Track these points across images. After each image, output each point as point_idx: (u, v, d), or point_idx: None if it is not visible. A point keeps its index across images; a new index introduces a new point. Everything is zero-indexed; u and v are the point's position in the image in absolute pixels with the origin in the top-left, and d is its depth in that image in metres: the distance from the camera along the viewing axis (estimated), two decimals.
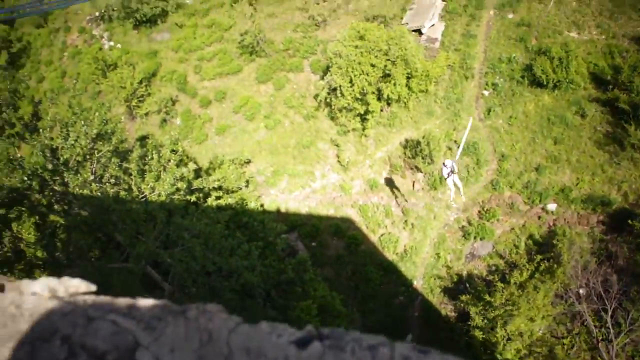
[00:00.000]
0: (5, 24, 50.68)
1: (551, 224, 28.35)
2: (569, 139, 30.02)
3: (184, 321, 1.91)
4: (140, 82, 38.53)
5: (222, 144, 35.93)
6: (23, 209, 21.98)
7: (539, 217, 28.68)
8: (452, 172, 26.32)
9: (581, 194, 28.24)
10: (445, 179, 27.15)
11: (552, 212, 28.55)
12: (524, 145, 30.71)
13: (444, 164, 26.40)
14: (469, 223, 29.60)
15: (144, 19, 43.46)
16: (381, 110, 32.97)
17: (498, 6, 36.49)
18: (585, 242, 26.41)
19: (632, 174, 27.85)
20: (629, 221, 25.37)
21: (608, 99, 30.11)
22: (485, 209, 29.56)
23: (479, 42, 35.33)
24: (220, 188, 29.89)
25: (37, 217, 22.16)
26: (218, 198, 29.05)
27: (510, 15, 35.72)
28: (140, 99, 38.60)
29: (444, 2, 37.72)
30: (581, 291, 24.38)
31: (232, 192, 30.63)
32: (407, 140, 32.51)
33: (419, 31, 36.44)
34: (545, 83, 31.23)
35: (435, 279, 28.87)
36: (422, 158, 30.70)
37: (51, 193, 22.29)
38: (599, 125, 29.94)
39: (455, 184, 27.81)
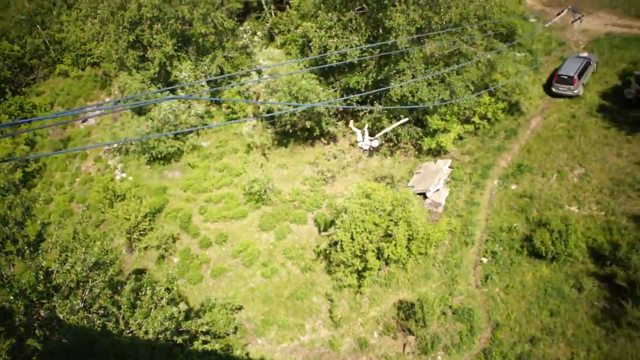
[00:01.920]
0: (27, 144, 54.26)
1: None
2: (565, 312, 31.04)
3: None
4: (145, 216, 40.63)
5: (216, 287, 37.29)
6: (1, 329, 22.51)
7: None
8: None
9: None
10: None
11: None
12: (519, 315, 31.68)
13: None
14: None
15: (159, 156, 46.43)
16: (379, 269, 34.47)
17: (502, 177, 39.05)
18: None
19: (628, 352, 28.52)
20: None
21: (606, 275, 31.45)
22: None
23: (481, 209, 37.47)
24: (208, 332, 30.78)
25: (14, 339, 22.65)
26: (205, 342, 29.83)
27: (514, 187, 38.10)
28: (142, 232, 40.58)
29: (450, 169, 40.42)
30: None
31: (220, 337, 31.43)
32: (401, 302, 33.68)
33: (423, 195, 38.84)
34: (544, 254, 32.76)
35: None
36: (415, 321, 31.68)
37: (35, 316, 23.18)
38: (596, 301, 31.05)
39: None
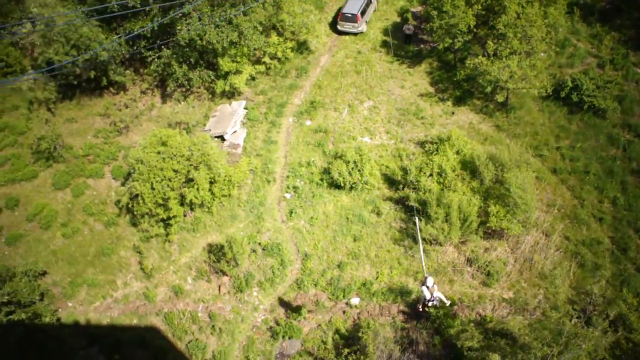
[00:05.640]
0: None
1: (355, 317, 31.32)
2: (367, 235, 33.83)
3: None
4: None
5: (13, 254, 35.53)
6: None
7: (344, 312, 31.59)
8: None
9: (381, 287, 31.77)
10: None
11: (355, 306, 31.66)
12: (326, 243, 34.04)
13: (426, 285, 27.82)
14: (277, 323, 31.66)
15: None
16: (185, 216, 34.98)
17: (297, 114, 40.91)
18: (388, 331, 29.30)
19: (425, 264, 31.99)
20: (426, 308, 29.21)
21: (400, 198, 34.63)
22: (292, 308, 32.00)
23: (279, 147, 39.09)
24: (10, 302, 29.73)
25: None
26: (9, 313, 28.84)
27: (308, 123, 40.16)
28: None
29: (245, 110, 41.46)
30: None
31: (26, 306, 30.47)
32: (211, 245, 34.61)
33: (221, 137, 39.59)
34: (342, 185, 35.19)
35: None
36: (227, 262, 32.79)
37: None
38: (393, 222, 34.18)
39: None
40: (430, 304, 28.46)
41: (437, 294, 27.79)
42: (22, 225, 36.90)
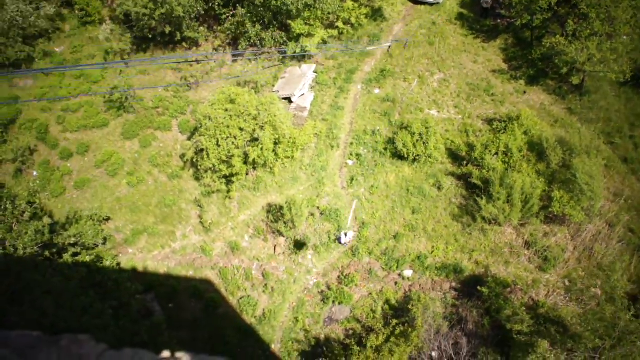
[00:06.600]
0: None
1: (407, 289, 31.39)
2: (426, 209, 33.67)
3: (56, 348, 2.19)
4: None
5: (81, 198, 36.69)
6: None
7: (396, 283, 31.67)
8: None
9: (436, 262, 31.69)
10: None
11: (408, 278, 31.68)
12: (384, 213, 33.97)
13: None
14: (328, 288, 32.00)
15: (7, 62, 43.56)
16: (247, 174, 35.36)
17: (365, 82, 40.63)
18: (438, 307, 29.56)
19: (482, 243, 31.70)
20: (478, 287, 28.91)
21: (463, 174, 34.24)
22: (344, 274, 32.18)
23: (346, 113, 38.98)
24: (76, 244, 30.70)
25: None
26: (75, 254, 29.78)
27: (377, 91, 39.83)
28: None
29: (314, 74, 41.37)
30: (434, 354, 27.28)
31: (89, 248, 31.44)
32: (270, 205, 34.96)
33: (289, 99, 39.66)
34: (406, 156, 34.92)
35: (293, 342, 30.84)
36: (285, 223, 33.07)
37: None
38: (453, 198, 33.86)
39: None
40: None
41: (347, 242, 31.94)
42: (90, 171, 37.98)
